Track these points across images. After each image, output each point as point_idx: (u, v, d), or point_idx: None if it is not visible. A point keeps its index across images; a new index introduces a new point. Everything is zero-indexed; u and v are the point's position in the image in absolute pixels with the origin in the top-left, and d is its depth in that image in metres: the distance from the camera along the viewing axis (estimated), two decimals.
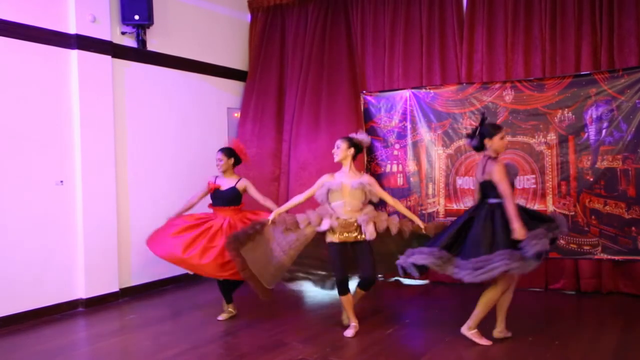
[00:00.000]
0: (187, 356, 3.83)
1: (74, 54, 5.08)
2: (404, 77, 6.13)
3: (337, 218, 4.18)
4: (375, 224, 4.21)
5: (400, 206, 4.46)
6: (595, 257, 5.19)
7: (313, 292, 5.66)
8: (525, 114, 5.44)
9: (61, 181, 5.01)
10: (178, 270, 6.11)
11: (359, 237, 4.17)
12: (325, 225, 4.18)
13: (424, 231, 4.24)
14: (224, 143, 6.71)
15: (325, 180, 4.28)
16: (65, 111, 5.06)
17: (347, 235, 4.17)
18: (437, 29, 5.96)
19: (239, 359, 3.78)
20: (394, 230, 4.26)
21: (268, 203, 4.76)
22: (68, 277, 5.05)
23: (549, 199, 5.36)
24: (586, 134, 5.24)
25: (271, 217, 4.29)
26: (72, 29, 5.07)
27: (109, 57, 5.35)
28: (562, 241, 5.25)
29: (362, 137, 4.41)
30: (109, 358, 3.91)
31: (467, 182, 5.71)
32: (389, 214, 4.50)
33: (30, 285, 4.76)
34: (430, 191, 5.91)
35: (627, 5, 5.09)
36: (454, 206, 5.72)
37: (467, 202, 5.67)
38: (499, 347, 3.87)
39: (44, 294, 4.86)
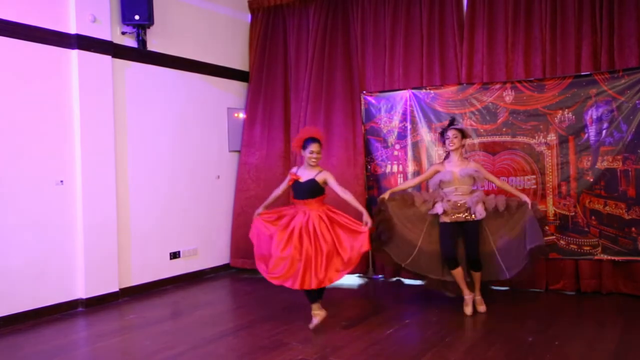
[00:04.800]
0: (187, 356, 3.82)
1: (74, 54, 5.08)
2: (404, 78, 6.13)
3: (449, 201, 4.66)
4: (484, 203, 4.65)
5: (507, 186, 4.86)
6: (596, 257, 5.19)
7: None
8: (526, 115, 5.44)
9: (61, 181, 5.01)
10: (178, 270, 6.13)
11: (468, 217, 4.62)
12: (438, 209, 4.68)
13: (529, 207, 4.57)
14: (224, 143, 6.76)
15: (437, 169, 4.80)
16: (66, 111, 5.06)
17: (457, 215, 4.64)
18: (437, 29, 5.97)
19: (239, 359, 3.78)
20: (501, 207, 4.66)
21: (347, 196, 4.42)
22: (68, 277, 5.06)
23: (549, 199, 5.36)
24: (586, 135, 5.23)
25: (387, 194, 4.86)
26: (72, 29, 5.07)
27: (109, 57, 5.36)
28: (562, 242, 5.25)
29: (467, 127, 5.26)
30: (108, 358, 3.91)
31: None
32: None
33: (30, 285, 4.76)
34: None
35: (627, 5, 5.09)
36: None
37: None
38: (499, 348, 3.87)
39: (44, 294, 4.86)
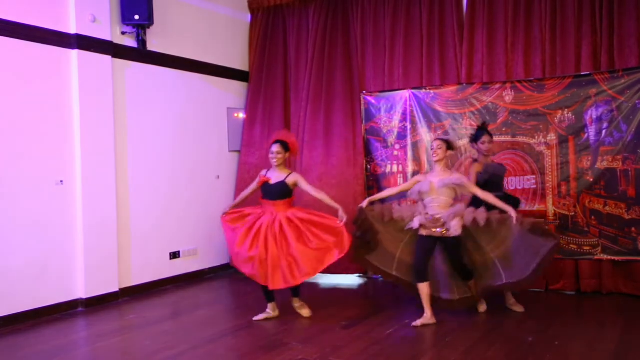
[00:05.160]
0: (187, 356, 3.82)
1: (74, 54, 5.08)
2: (404, 78, 6.13)
3: (427, 214, 4.46)
4: (462, 218, 4.40)
5: (490, 198, 4.48)
6: (595, 257, 5.19)
7: (313, 292, 5.66)
8: (525, 115, 5.44)
9: (61, 181, 5.01)
10: (178, 270, 6.13)
11: (445, 232, 4.40)
12: (415, 223, 4.50)
13: (514, 221, 4.28)
14: (224, 143, 6.76)
15: (417, 179, 4.63)
16: (66, 111, 5.06)
17: (434, 230, 4.42)
18: (437, 29, 5.97)
19: (239, 359, 3.78)
20: (481, 222, 4.40)
21: (322, 195, 4.64)
22: (68, 277, 5.05)
23: (549, 199, 5.36)
24: (586, 135, 5.23)
25: (365, 203, 4.69)
26: (72, 29, 5.07)
27: (109, 57, 5.35)
28: (562, 242, 5.25)
29: (452, 138, 5.09)
30: (108, 358, 3.90)
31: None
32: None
33: (30, 285, 4.76)
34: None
35: (627, 5, 5.09)
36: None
37: None
38: (499, 348, 3.87)
39: (44, 294, 4.86)
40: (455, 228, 4.35)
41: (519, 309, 4.72)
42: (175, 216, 6.07)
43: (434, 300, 4.57)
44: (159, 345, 4.04)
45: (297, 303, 4.74)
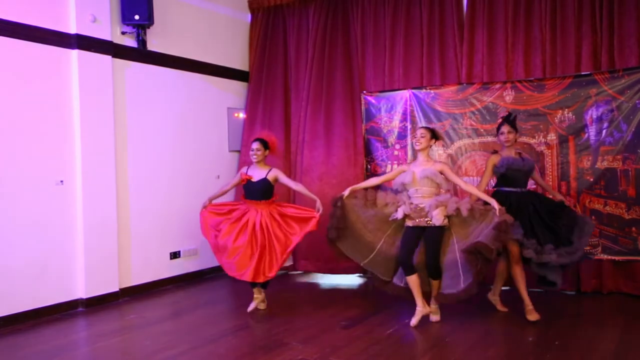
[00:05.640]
0: (187, 356, 3.83)
1: (74, 54, 5.08)
2: (405, 77, 6.13)
3: (411, 204, 4.42)
4: (445, 208, 4.34)
5: (474, 190, 4.45)
6: (596, 257, 5.18)
7: (313, 292, 5.66)
8: (526, 114, 5.43)
9: (61, 181, 5.01)
10: (178, 270, 6.13)
11: (430, 222, 4.34)
12: (399, 214, 4.46)
13: (497, 213, 4.12)
14: (224, 143, 6.76)
15: (402, 169, 4.58)
16: (66, 111, 5.06)
17: (419, 220, 4.37)
18: (437, 29, 5.96)
19: (239, 359, 3.78)
20: (464, 212, 4.31)
21: (299, 187, 4.96)
22: (68, 277, 5.06)
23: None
24: (586, 135, 5.23)
25: (347, 191, 4.61)
26: (72, 29, 5.07)
27: (109, 57, 5.35)
28: None
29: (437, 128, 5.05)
30: (109, 358, 3.90)
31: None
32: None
33: (30, 285, 4.76)
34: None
35: (627, 5, 5.09)
36: None
37: None
38: (499, 348, 3.87)
39: (44, 294, 4.86)
40: (437, 217, 4.29)
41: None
42: (175, 216, 6.07)
43: (396, 288, 4.61)
44: (159, 345, 4.04)
45: (261, 295, 4.95)
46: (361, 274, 6.25)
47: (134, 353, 4.02)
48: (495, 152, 4.81)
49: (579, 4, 5.29)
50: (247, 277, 4.64)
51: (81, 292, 5.13)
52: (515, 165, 4.59)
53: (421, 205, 4.37)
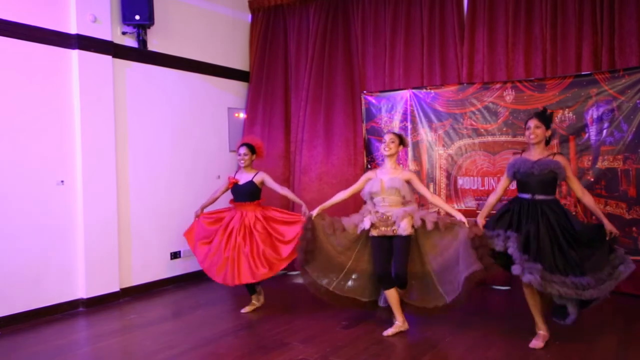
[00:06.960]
0: (187, 356, 3.83)
1: (75, 54, 5.09)
2: (405, 77, 6.13)
3: (377, 212, 4.27)
4: (412, 218, 4.20)
5: (439, 201, 4.38)
6: None
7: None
8: (526, 114, 5.42)
9: (62, 181, 5.01)
10: (178, 270, 6.14)
11: (396, 231, 4.20)
12: (366, 224, 4.29)
13: (466, 225, 3.96)
14: (225, 143, 6.76)
15: (368, 176, 4.42)
16: (66, 111, 5.06)
17: (385, 229, 4.24)
18: (437, 29, 5.97)
19: (239, 359, 3.78)
20: (429, 225, 4.15)
21: (285, 191, 5.04)
22: (68, 277, 5.06)
23: None
24: (587, 134, 5.23)
25: (315, 212, 4.44)
26: (73, 29, 5.07)
27: (109, 57, 5.36)
28: None
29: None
30: (109, 358, 3.91)
31: (468, 182, 5.71)
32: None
33: (30, 285, 4.76)
34: (431, 191, 5.89)
35: (628, 5, 5.09)
36: (455, 206, 5.70)
37: (468, 202, 5.68)
38: (499, 348, 3.87)
39: (44, 294, 4.87)
40: (404, 227, 4.15)
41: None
42: (175, 216, 6.07)
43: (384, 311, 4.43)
44: (159, 345, 4.05)
45: (258, 302, 5.01)
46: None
47: (135, 353, 4.03)
48: (517, 152, 4.36)
49: (579, 4, 5.29)
50: (235, 281, 4.72)
51: (82, 292, 5.14)
52: (523, 168, 3.90)
53: (388, 214, 4.22)
